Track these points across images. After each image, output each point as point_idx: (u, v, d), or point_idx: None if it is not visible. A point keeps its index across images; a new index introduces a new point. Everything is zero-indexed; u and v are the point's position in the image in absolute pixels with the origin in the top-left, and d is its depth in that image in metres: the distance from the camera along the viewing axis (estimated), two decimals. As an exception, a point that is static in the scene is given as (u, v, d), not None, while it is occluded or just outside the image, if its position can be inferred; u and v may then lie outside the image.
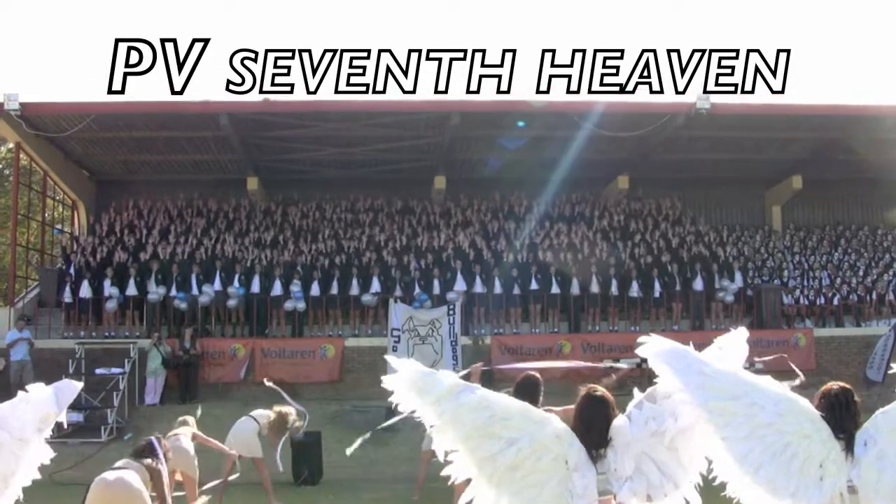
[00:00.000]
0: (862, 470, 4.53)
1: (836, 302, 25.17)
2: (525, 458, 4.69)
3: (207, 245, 24.90)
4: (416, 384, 4.83)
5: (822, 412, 4.71)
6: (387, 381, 4.88)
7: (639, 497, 4.76)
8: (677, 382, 4.78)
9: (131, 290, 22.97)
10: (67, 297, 23.03)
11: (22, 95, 22.67)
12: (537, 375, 7.67)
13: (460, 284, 23.40)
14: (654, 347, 4.98)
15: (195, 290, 22.81)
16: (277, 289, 23.19)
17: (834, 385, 4.90)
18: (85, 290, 22.85)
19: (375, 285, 23.38)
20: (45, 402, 5.85)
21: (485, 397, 4.82)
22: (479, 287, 23.56)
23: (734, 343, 5.28)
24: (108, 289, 22.70)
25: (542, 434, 4.76)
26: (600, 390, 5.12)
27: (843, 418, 4.68)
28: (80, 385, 6.25)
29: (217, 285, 23.05)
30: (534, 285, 23.59)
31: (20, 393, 5.87)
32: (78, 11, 71.17)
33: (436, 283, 23.48)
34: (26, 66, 66.71)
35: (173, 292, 22.72)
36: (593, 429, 4.88)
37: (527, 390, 7.26)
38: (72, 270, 23.87)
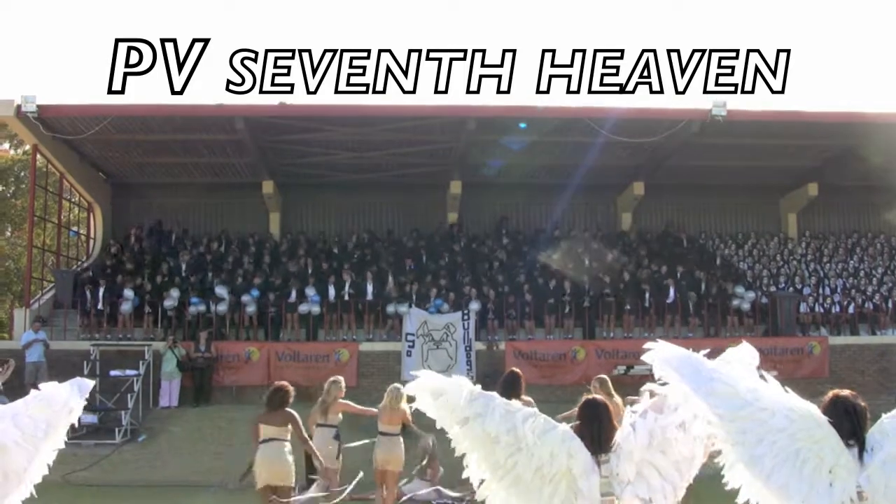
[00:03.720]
0: (870, 475, 4.52)
1: (851, 310, 25.10)
2: (533, 463, 4.90)
3: (222, 249, 24.95)
4: (435, 392, 5.09)
5: (829, 418, 4.69)
6: (410, 388, 5.14)
7: (640, 500, 4.91)
8: (686, 389, 4.80)
9: (147, 293, 23.06)
10: (84, 298, 23.13)
11: (38, 98, 22.75)
12: (517, 370, 10.24)
13: (475, 290, 23.41)
14: (662, 354, 5.02)
15: (211, 294, 22.87)
16: (292, 293, 23.24)
17: (840, 391, 4.89)
18: (100, 293, 22.96)
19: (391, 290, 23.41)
20: (59, 400, 5.87)
21: (500, 406, 5.05)
22: (493, 293, 23.58)
23: (743, 355, 5.28)
24: (124, 291, 22.80)
25: (550, 440, 4.96)
26: (599, 397, 5.43)
27: (850, 423, 4.66)
28: (92, 383, 6.28)
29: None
30: (548, 292, 23.56)
31: (33, 391, 5.89)
32: (78, 12, 71.67)
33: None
34: (38, 67, 67.23)
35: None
36: (596, 434, 5.06)
37: (510, 384, 9.43)
38: (88, 272, 23.93)
